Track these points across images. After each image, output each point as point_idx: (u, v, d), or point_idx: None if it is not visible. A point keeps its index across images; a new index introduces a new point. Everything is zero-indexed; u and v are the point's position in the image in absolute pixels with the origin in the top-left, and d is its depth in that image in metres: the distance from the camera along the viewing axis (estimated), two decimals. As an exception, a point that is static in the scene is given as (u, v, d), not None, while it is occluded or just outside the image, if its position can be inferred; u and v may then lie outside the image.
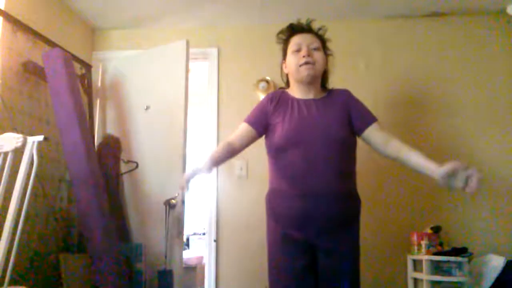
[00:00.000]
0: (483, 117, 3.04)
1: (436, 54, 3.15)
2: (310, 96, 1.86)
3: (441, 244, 2.75)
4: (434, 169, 1.53)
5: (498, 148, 2.99)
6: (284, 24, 3.39)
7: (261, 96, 3.22)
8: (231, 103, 3.26)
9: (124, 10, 3.18)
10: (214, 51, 3.33)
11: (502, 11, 2.98)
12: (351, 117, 1.82)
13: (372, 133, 1.80)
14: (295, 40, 1.86)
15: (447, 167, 1.47)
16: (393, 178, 2.98)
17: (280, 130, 1.77)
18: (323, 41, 1.90)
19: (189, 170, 1.75)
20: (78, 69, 3.04)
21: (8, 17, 2.45)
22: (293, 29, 1.91)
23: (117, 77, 3.27)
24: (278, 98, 1.87)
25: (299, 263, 1.76)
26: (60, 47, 2.78)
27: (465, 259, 2.63)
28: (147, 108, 3.04)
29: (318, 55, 1.83)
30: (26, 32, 2.60)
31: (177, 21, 3.33)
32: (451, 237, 2.86)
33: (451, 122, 3.06)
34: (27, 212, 1.74)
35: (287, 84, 1.98)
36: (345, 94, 1.90)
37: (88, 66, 3.19)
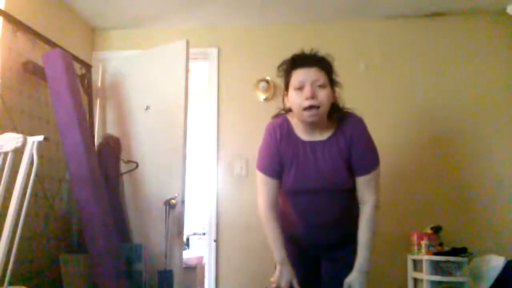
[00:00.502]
0: (481, 115, 3.04)
1: (436, 54, 3.15)
2: (316, 136, 1.72)
3: (441, 244, 2.75)
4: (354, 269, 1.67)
5: (497, 146, 3.00)
6: (284, 24, 3.40)
7: (261, 96, 3.22)
8: (231, 103, 3.26)
9: (124, 10, 3.18)
10: (214, 51, 3.33)
11: (502, 11, 2.98)
12: (350, 157, 1.70)
13: (358, 184, 1.71)
14: (298, 76, 1.66)
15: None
16: (393, 178, 2.98)
17: (288, 177, 1.73)
18: (329, 72, 1.70)
19: (278, 273, 1.65)
20: (78, 69, 3.04)
21: (8, 17, 2.45)
22: (295, 63, 1.70)
23: (117, 77, 3.27)
24: (285, 136, 1.75)
25: (303, 268, 1.80)
26: (60, 47, 2.78)
27: (465, 259, 2.63)
28: (147, 108, 3.04)
29: (323, 94, 1.63)
30: (26, 32, 2.60)
31: (177, 21, 3.33)
32: (451, 237, 2.86)
33: (450, 120, 3.07)
34: (27, 212, 1.73)
35: (289, 109, 1.79)
36: (352, 132, 1.72)
37: (88, 66, 3.18)
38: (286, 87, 1.74)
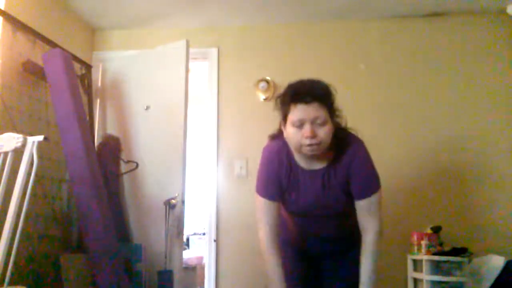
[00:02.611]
0: (481, 115, 3.04)
1: (436, 54, 3.15)
2: (314, 165, 1.67)
3: (441, 244, 2.75)
4: None
5: (497, 146, 2.99)
6: (284, 24, 3.39)
7: (261, 96, 3.22)
8: (231, 103, 3.26)
9: (124, 10, 3.18)
10: (214, 51, 3.33)
11: (502, 11, 2.98)
12: (350, 184, 1.67)
13: (358, 209, 1.67)
14: (297, 113, 1.54)
15: None
16: (393, 179, 2.98)
17: (288, 203, 1.74)
18: (330, 106, 1.59)
19: None
20: (78, 69, 3.04)
21: (8, 17, 2.45)
22: (294, 98, 1.57)
23: (117, 77, 3.27)
24: (285, 163, 1.69)
25: (304, 269, 1.84)
26: (60, 47, 2.78)
27: (465, 259, 2.63)
28: (147, 108, 3.04)
29: (324, 132, 1.54)
30: (26, 32, 2.60)
31: (177, 21, 3.33)
32: (451, 237, 2.86)
33: (449, 119, 3.07)
34: (27, 212, 1.73)
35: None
36: (351, 160, 1.65)
37: (88, 66, 3.18)
38: (284, 118, 1.62)
